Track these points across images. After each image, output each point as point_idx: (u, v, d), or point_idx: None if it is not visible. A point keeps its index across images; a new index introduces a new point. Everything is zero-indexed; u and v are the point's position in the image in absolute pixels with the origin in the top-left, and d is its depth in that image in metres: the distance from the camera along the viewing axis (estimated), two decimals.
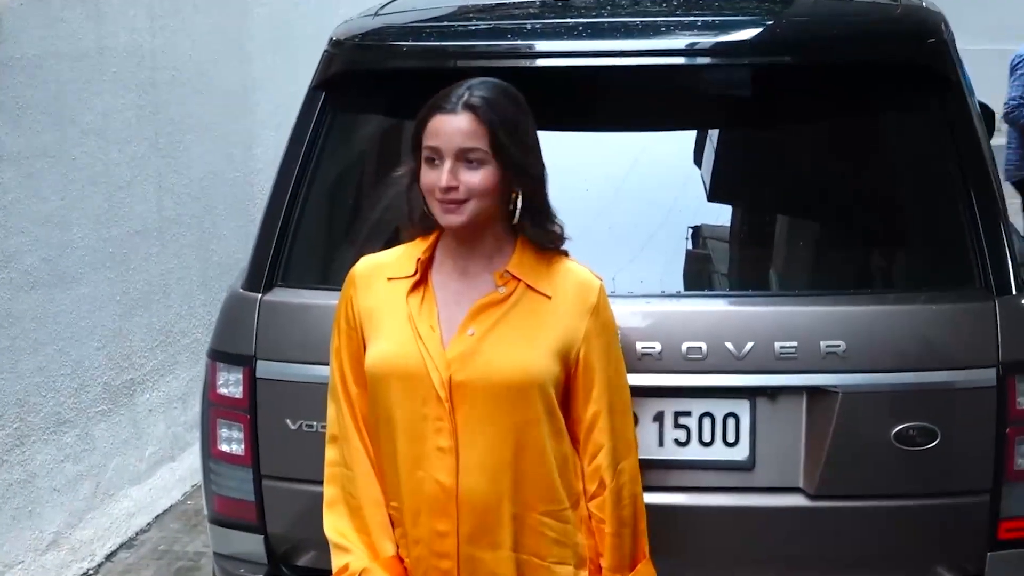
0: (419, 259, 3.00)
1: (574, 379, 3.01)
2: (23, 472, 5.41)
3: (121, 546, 6.06)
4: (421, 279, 3.00)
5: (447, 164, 2.85)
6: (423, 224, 3.02)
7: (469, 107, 2.87)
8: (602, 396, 3.01)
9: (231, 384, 3.73)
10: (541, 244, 2.99)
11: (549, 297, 2.97)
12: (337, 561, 3.06)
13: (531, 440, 2.93)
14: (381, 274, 3.06)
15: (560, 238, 3.03)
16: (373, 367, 2.99)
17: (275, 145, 3.89)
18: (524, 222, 2.98)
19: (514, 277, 2.96)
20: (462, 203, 2.87)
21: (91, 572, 5.80)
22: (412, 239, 3.08)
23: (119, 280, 6.15)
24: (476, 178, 2.87)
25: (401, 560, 3.03)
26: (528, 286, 2.96)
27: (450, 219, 2.89)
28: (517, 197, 2.95)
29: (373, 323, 3.02)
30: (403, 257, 3.06)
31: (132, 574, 5.81)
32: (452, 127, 2.86)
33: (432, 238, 3.04)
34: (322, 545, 3.15)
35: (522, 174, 2.94)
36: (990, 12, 13.36)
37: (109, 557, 5.95)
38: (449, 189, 2.85)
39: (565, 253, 3.06)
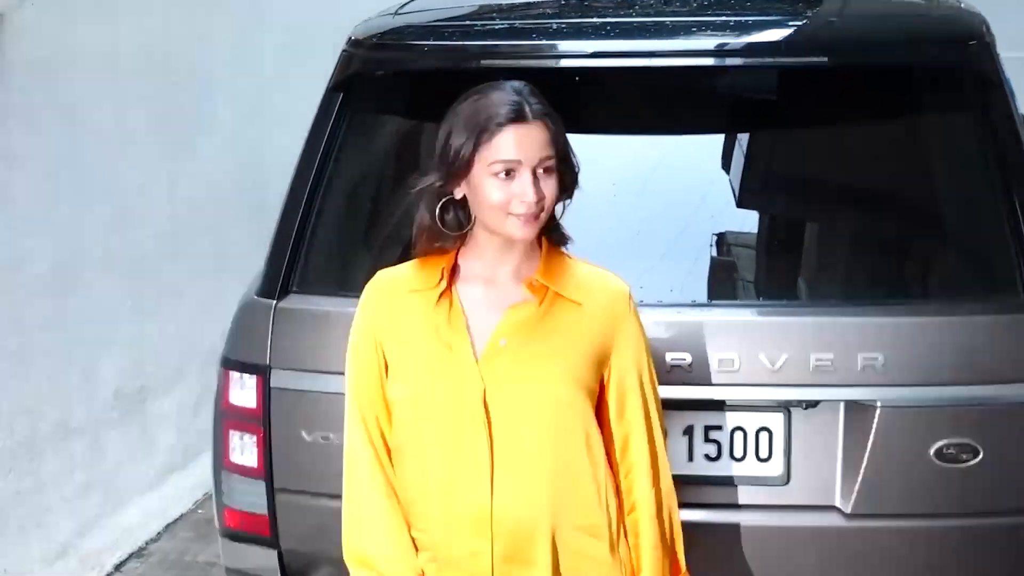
0: (444, 268, 2.88)
1: (607, 389, 2.91)
2: (32, 481, 5.33)
3: (131, 556, 5.97)
4: (447, 289, 2.88)
5: (529, 177, 2.75)
6: (441, 243, 2.89)
7: (540, 116, 2.77)
8: (637, 408, 2.92)
9: (245, 393, 3.64)
10: (562, 243, 2.92)
11: (580, 304, 2.86)
12: None
13: (570, 454, 2.84)
14: (402, 287, 2.94)
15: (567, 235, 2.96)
16: (401, 390, 2.89)
17: (291, 148, 3.79)
18: (554, 225, 2.90)
19: (543, 285, 2.86)
20: (540, 214, 2.78)
21: None
22: (430, 254, 2.95)
23: (131, 286, 6.08)
24: (551, 188, 2.79)
25: None
26: (558, 294, 2.86)
27: (528, 231, 2.78)
28: (565, 202, 2.89)
29: (397, 339, 2.90)
30: (423, 268, 2.93)
31: None
32: (530, 138, 2.75)
33: (455, 250, 2.93)
34: (338, 561, 3.04)
35: (572, 180, 2.87)
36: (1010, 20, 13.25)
37: (119, 567, 5.87)
38: (538, 203, 2.75)
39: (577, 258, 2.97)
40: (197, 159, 6.67)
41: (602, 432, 2.91)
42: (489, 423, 2.79)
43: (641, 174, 3.71)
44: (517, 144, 2.74)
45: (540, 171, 2.76)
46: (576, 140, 2.98)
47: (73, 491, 5.64)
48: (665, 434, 3.11)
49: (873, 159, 3.74)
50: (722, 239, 3.69)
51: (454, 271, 2.90)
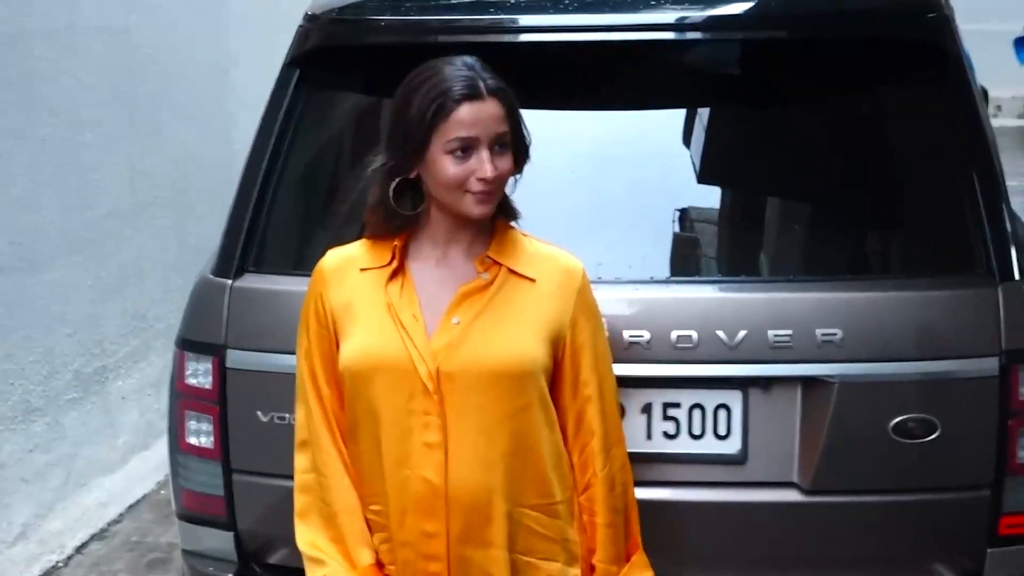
0: (395, 246, 2.86)
1: (561, 365, 2.89)
2: None
3: (92, 537, 5.91)
4: (399, 268, 2.86)
5: (485, 153, 2.73)
6: (397, 223, 2.86)
7: (494, 92, 2.75)
8: (591, 382, 2.90)
9: (200, 374, 3.60)
10: (512, 218, 2.90)
11: (533, 280, 2.85)
12: (312, 575, 2.92)
13: (524, 431, 2.82)
14: (353, 266, 2.92)
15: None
16: (352, 362, 2.85)
17: (253, 125, 3.75)
18: (505, 202, 2.88)
19: (495, 262, 2.84)
20: (494, 193, 2.77)
21: (61, 564, 5.66)
22: (378, 235, 2.92)
23: (91, 264, 6.03)
24: (506, 163, 2.78)
25: (381, 567, 2.90)
26: (511, 270, 2.84)
27: (484, 209, 2.77)
28: (516, 178, 2.87)
29: (349, 317, 2.88)
30: (374, 247, 2.91)
31: (103, 566, 5.67)
32: (486, 114, 2.73)
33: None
34: (294, 543, 3.02)
35: (524, 155, 2.86)
36: None
37: (80, 549, 5.81)
38: (493, 180, 2.74)
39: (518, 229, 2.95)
40: (159, 136, 6.62)
41: (557, 410, 2.89)
42: (442, 402, 2.77)
43: (600, 150, 3.67)
44: (473, 120, 2.72)
45: (496, 147, 2.74)
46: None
47: (33, 472, 5.60)
48: (622, 412, 3.10)
49: (832, 134, 3.72)
50: (681, 215, 3.67)
51: (405, 249, 2.87)
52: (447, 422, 2.78)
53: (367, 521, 2.89)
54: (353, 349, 2.85)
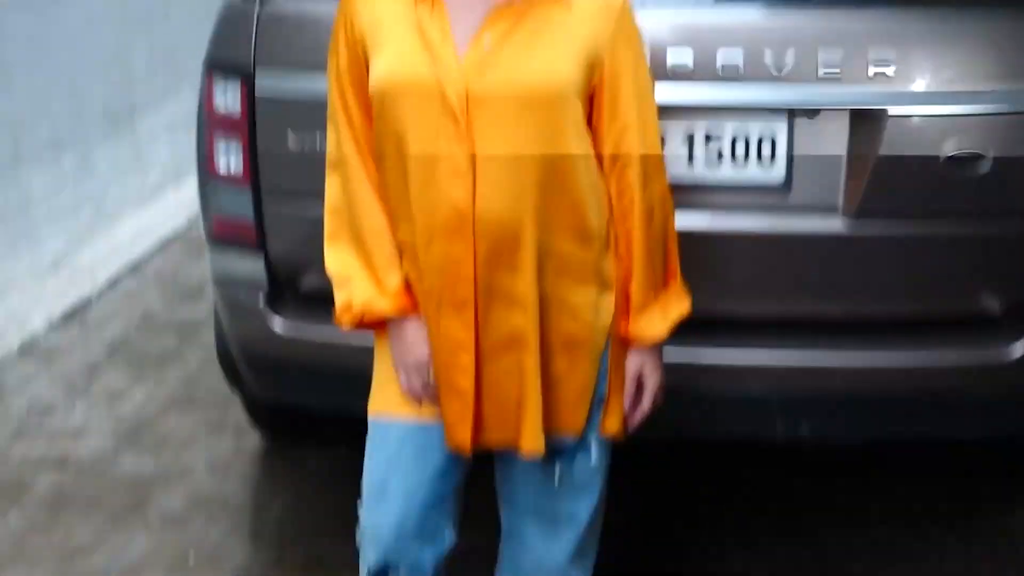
0: None
1: (600, 92, 2.76)
2: (19, 195, 5.27)
3: (124, 271, 5.94)
4: None
5: None
6: None
7: None
8: (630, 109, 2.77)
9: (228, 98, 3.53)
10: None
11: (568, 2, 2.71)
12: (340, 296, 2.87)
13: (557, 159, 2.72)
14: None
15: None
16: (380, 83, 2.74)
17: None
18: None
19: None
20: None
21: (92, 296, 5.69)
22: None
23: None
24: None
25: (409, 291, 2.84)
26: None
27: None
28: None
29: (378, 37, 2.76)
30: None
31: (135, 299, 5.72)
32: None
33: None
34: (324, 267, 2.97)
35: None
36: None
37: (112, 282, 5.84)
38: None
39: None
40: None
41: (595, 138, 2.79)
42: (469, 123, 2.67)
43: None
44: None
45: None
46: None
47: (63, 207, 5.59)
48: (662, 141, 3.00)
49: None
50: None
51: None
52: (475, 146, 2.68)
53: (398, 241, 2.83)
54: (381, 70, 2.74)
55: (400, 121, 2.71)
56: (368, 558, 2.90)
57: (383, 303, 2.81)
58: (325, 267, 2.89)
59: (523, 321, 2.75)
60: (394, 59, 2.72)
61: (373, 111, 2.77)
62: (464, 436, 2.80)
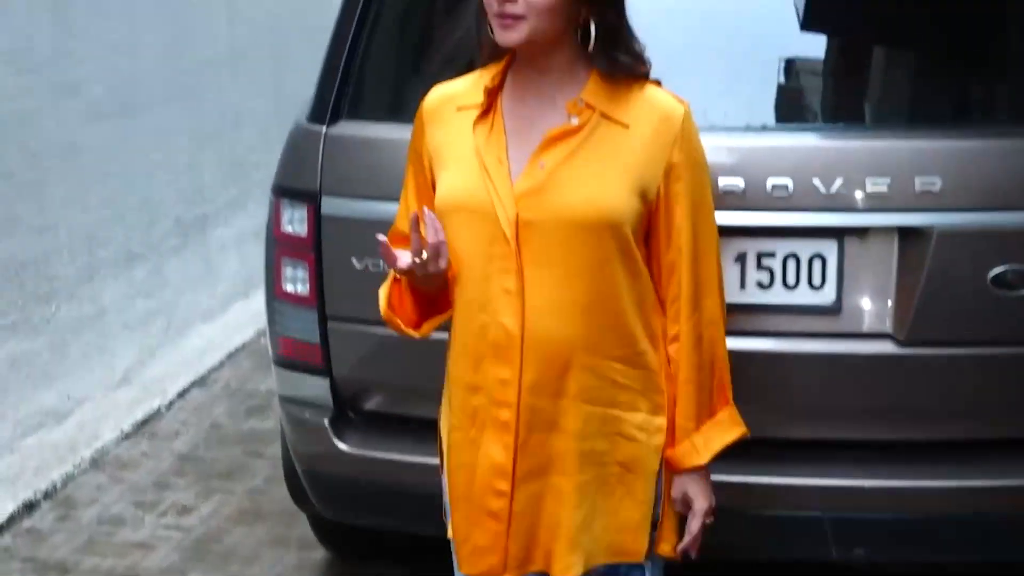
0: (487, 87, 2.80)
1: (656, 214, 2.79)
2: (93, 307, 5.38)
3: (193, 384, 6.03)
4: (489, 108, 2.80)
5: None
6: (490, 47, 2.81)
7: None
8: (684, 232, 2.80)
9: (295, 221, 3.61)
10: (612, 72, 2.75)
11: (627, 126, 2.74)
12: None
13: (604, 282, 2.75)
14: (451, 104, 2.87)
15: (638, 64, 2.78)
16: (441, 203, 2.82)
17: None
18: (596, 48, 2.74)
19: (588, 106, 2.74)
20: (519, 19, 2.64)
21: (163, 409, 5.77)
22: (484, 65, 2.87)
23: (190, 112, 6.06)
24: None
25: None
26: (603, 115, 2.74)
27: (506, 36, 2.66)
28: (588, 20, 2.71)
29: (441, 158, 2.85)
30: (474, 85, 2.86)
31: (204, 411, 5.78)
32: None
33: (502, 64, 2.83)
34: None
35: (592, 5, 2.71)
36: None
37: (181, 394, 5.92)
38: (504, 2, 2.62)
39: (648, 78, 2.82)
40: None
41: (651, 258, 2.83)
42: (519, 248, 2.71)
43: None
44: None
45: None
46: None
47: (135, 318, 5.68)
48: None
49: None
50: (779, 62, 3.59)
51: (499, 90, 2.81)
52: (524, 270, 2.72)
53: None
54: (442, 190, 2.82)
55: (456, 242, 2.75)
56: None
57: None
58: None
59: (564, 446, 2.78)
60: (453, 181, 2.79)
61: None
62: (495, 561, 2.82)
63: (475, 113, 2.79)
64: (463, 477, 2.85)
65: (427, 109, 2.91)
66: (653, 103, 2.77)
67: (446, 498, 2.95)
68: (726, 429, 2.91)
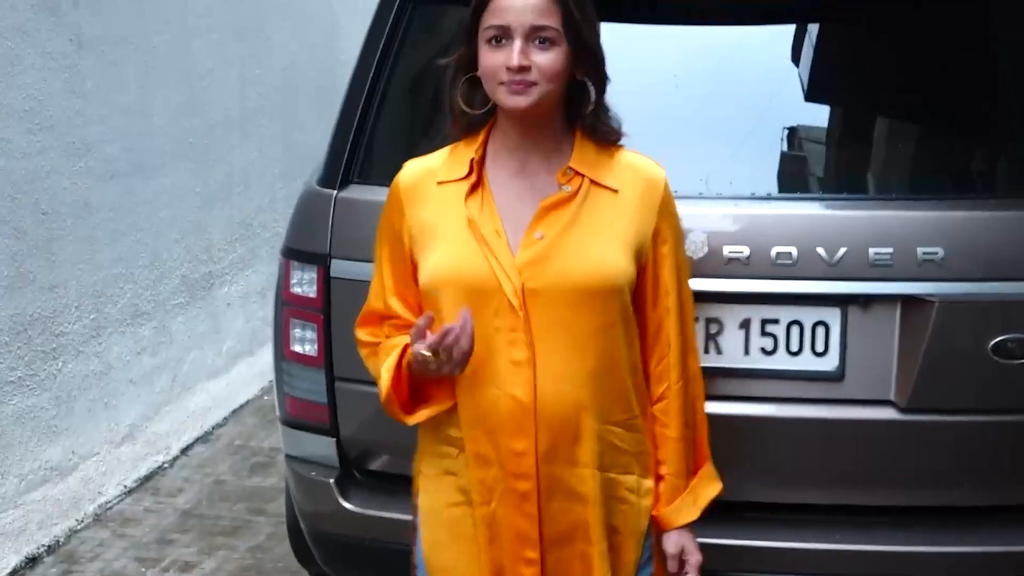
0: (472, 159, 2.80)
1: (644, 276, 2.83)
2: (100, 364, 5.40)
3: (197, 440, 6.06)
4: (477, 181, 2.81)
5: (517, 43, 2.66)
6: (466, 122, 2.83)
7: None
8: (671, 292, 2.84)
9: (305, 283, 3.65)
10: (604, 138, 2.80)
11: (616, 191, 2.78)
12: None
13: (610, 347, 2.78)
14: (430, 179, 2.85)
15: (619, 131, 2.82)
16: (434, 280, 2.79)
17: (359, 34, 3.76)
18: (586, 114, 2.78)
19: (578, 173, 2.77)
20: (531, 85, 2.67)
21: (166, 465, 5.80)
22: (458, 139, 2.87)
23: (199, 171, 6.11)
24: (547, 59, 2.67)
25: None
26: (593, 182, 2.77)
27: (517, 100, 2.67)
28: (589, 84, 2.75)
29: (428, 235, 2.82)
30: (451, 158, 2.85)
31: (208, 468, 5.80)
32: (526, 4, 2.66)
33: (481, 137, 2.84)
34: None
35: (590, 58, 2.74)
36: None
37: (185, 451, 5.95)
38: (522, 69, 2.65)
39: (620, 145, 2.85)
40: (267, 44, 6.66)
41: (637, 319, 2.85)
42: (527, 318, 2.72)
43: (705, 67, 3.65)
44: (503, 9, 2.66)
45: (536, 41, 2.67)
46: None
47: (141, 375, 5.70)
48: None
49: (941, 53, 3.67)
50: (785, 132, 3.64)
51: (483, 161, 2.82)
52: (533, 339, 2.72)
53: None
54: (435, 266, 2.79)
55: (451, 317, 2.70)
56: None
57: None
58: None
59: (585, 513, 2.79)
60: (448, 256, 2.77)
61: (428, 307, 2.79)
62: None
63: (458, 187, 2.79)
64: (474, 551, 2.84)
65: (404, 186, 2.88)
66: (635, 168, 2.81)
67: (419, 557, 2.95)
68: (708, 484, 2.95)
